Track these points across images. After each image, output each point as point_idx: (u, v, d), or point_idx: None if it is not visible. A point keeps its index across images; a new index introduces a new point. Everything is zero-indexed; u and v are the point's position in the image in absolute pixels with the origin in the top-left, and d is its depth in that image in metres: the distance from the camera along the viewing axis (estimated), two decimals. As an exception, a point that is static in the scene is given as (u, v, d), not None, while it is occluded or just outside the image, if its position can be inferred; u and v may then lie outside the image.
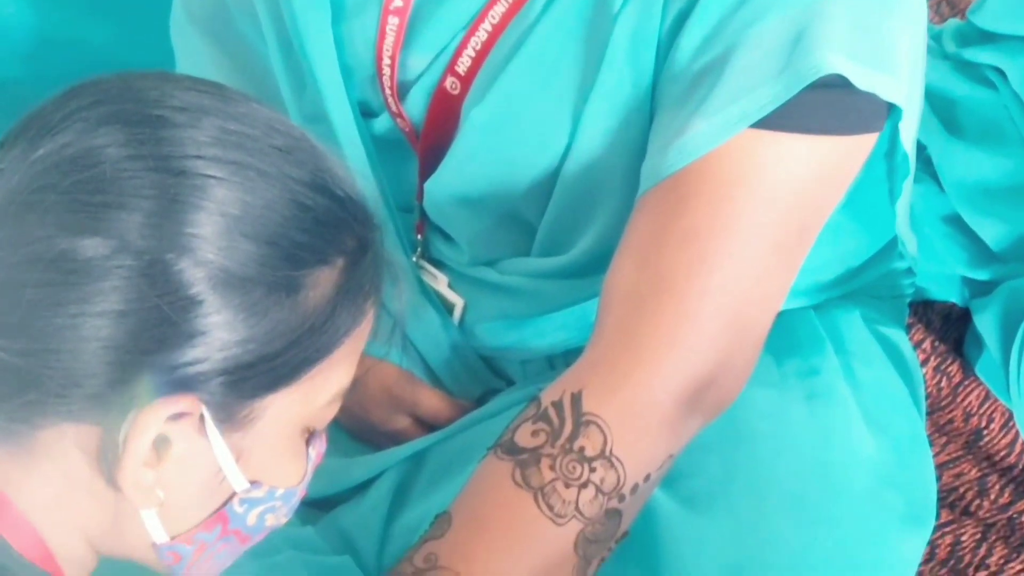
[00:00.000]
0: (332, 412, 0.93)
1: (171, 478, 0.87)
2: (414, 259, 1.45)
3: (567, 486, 1.11)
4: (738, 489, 1.27)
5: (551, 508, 1.11)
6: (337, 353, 0.90)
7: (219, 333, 0.84)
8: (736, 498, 1.26)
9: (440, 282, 1.44)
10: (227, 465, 0.89)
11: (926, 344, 1.62)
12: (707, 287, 1.14)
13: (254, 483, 0.91)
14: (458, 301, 1.43)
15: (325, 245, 0.88)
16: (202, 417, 0.86)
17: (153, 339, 0.83)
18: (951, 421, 1.57)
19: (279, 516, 0.94)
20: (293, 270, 0.87)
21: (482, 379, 1.46)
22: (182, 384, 0.85)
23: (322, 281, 0.88)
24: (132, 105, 0.85)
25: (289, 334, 0.87)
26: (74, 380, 0.84)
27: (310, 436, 0.94)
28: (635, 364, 1.13)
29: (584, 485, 1.11)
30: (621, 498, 1.12)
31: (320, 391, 0.90)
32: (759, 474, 1.27)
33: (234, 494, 0.91)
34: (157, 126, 0.84)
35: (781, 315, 1.22)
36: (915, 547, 1.34)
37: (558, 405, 1.14)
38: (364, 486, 1.40)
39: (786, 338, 1.34)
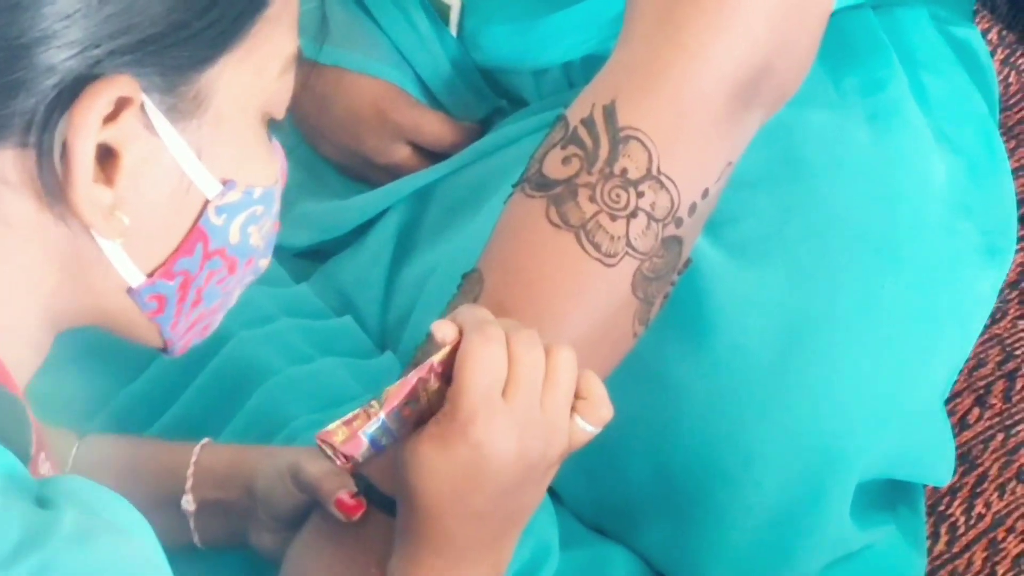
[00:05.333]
0: (287, 90, 0.83)
1: (131, 196, 0.77)
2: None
3: (613, 219, 0.99)
4: (794, 231, 1.17)
5: (598, 247, 1.00)
6: (273, 6, 0.79)
7: None
8: (792, 242, 1.17)
9: (432, -19, 1.33)
10: (189, 164, 0.79)
11: (992, 34, 1.55)
12: None
13: (226, 183, 0.81)
14: (454, 2, 1.31)
15: None
16: (143, 107, 0.76)
17: (43, 17, 0.73)
18: (1022, 121, 1.49)
19: (262, 228, 0.85)
20: None
21: (486, 98, 1.34)
22: (105, 66, 0.75)
23: None
24: None
25: None
26: None
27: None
28: (676, 56, 1.01)
29: (633, 214, 1.00)
30: (678, 222, 1.01)
31: (268, 59, 0.81)
32: (818, 211, 1.18)
33: (207, 202, 0.81)
34: None
35: (837, 20, 1.10)
36: (993, 282, 1.26)
37: (588, 122, 1.01)
38: (362, 231, 1.32)
39: (844, 48, 1.23)
